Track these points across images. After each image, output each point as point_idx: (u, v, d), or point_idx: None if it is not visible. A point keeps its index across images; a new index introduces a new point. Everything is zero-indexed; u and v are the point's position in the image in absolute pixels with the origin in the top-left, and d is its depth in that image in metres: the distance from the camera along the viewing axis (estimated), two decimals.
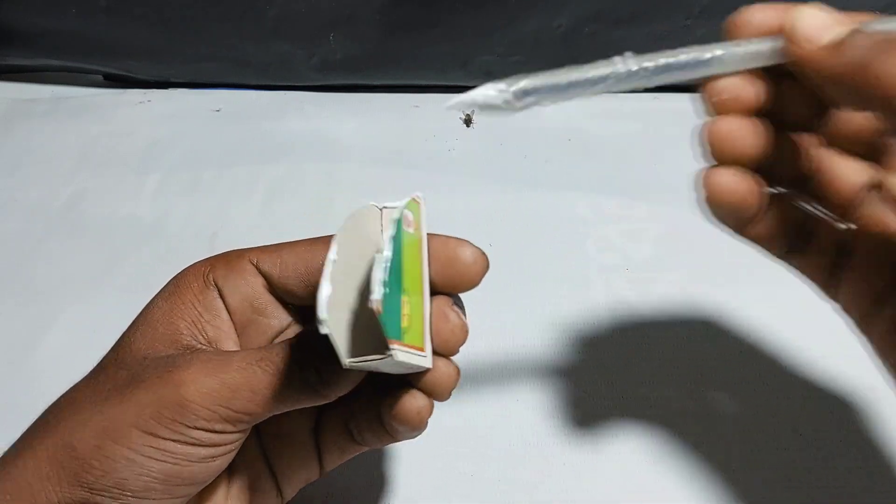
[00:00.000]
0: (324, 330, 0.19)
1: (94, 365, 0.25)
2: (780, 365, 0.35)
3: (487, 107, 0.21)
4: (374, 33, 0.49)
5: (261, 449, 0.26)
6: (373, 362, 0.20)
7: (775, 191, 0.24)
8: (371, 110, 0.52)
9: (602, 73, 0.23)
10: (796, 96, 0.23)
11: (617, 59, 0.22)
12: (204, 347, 0.24)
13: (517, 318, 0.37)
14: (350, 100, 0.53)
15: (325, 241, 0.26)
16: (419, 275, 0.24)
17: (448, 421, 0.33)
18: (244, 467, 0.26)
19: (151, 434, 0.21)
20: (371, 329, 0.20)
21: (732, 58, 0.22)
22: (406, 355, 0.21)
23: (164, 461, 0.22)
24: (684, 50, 0.22)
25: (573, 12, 0.47)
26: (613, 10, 0.47)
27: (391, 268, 0.21)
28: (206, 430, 0.22)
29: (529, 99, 0.22)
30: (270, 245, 0.26)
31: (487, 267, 0.25)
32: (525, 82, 0.22)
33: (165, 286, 0.25)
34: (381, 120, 0.51)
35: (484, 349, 0.35)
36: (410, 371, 0.23)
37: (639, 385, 0.34)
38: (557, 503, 0.30)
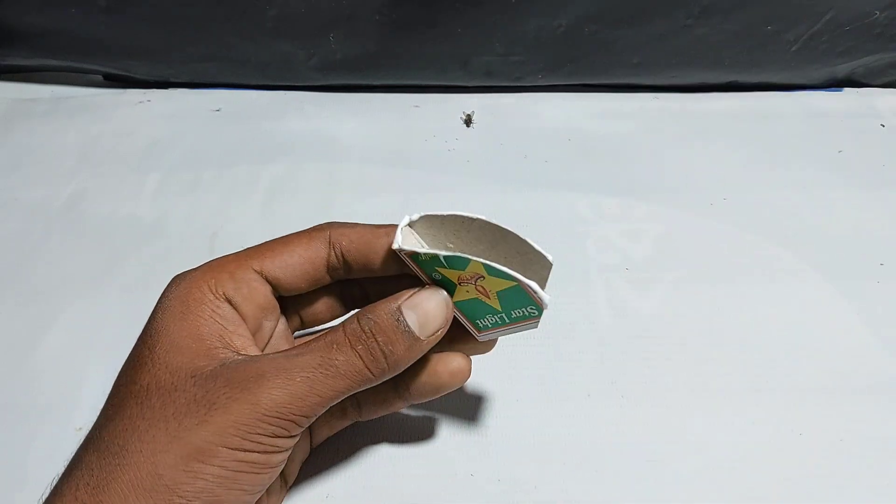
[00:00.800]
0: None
1: (112, 389, 0.25)
2: (779, 364, 0.35)
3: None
4: (374, 33, 0.49)
5: None
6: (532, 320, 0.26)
7: None
8: (371, 110, 0.52)
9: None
10: None
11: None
12: (244, 357, 0.24)
13: None
14: (350, 100, 0.53)
15: (319, 235, 0.27)
16: None
17: (448, 421, 0.33)
18: None
19: (239, 450, 0.23)
20: None
21: None
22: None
23: (252, 472, 0.23)
24: None
25: (573, 12, 0.47)
26: (613, 10, 0.47)
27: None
28: (284, 437, 0.24)
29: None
30: (264, 247, 0.27)
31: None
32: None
33: (167, 307, 0.25)
34: (381, 120, 0.51)
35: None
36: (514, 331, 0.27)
37: (639, 385, 0.34)
38: (558, 503, 0.30)
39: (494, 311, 0.26)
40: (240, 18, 0.48)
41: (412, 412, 0.33)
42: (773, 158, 0.47)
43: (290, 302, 0.29)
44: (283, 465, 0.25)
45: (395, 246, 0.25)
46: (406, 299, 0.25)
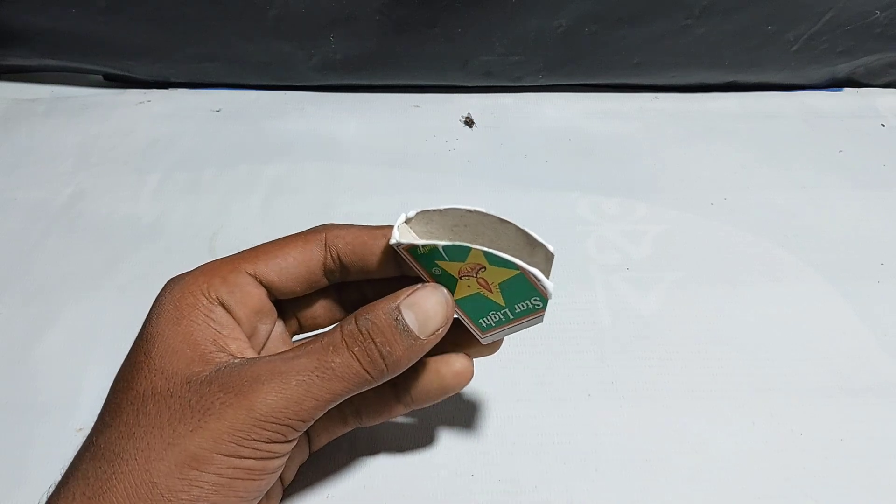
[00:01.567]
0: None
1: (109, 393, 0.25)
2: (779, 364, 0.35)
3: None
4: (374, 33, 0.49)
5: None
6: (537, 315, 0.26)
7: None
8: (371, 110, 0.52)
9: None
10: None
11: None
12: (239, 361, 0.24)
13: None
14: (350, 100, 0.53)
15: (315, 238, 0.27)
16: None
17: (448, 421, 0.33)
18: None
19: (234, 456, 0.22)
20: None
21: None
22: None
23: (248, 478, 0.23)
24: None
25: (573, 12, 0.47)
26: (613, 10, 0.47)
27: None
28: (281, 442, 0.23)
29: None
30: (259, 250, 0.27)
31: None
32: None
33: (161, 311, 0.25)
34: (381, 120, 0.51)
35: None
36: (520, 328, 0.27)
37: (639, 385, 0.34)
38: (557, 503, 0.30)
39: (498, 307, 0.26)
40: (240, 18, 0.48)
41: (412, 413, 0.33)
42: (773, 158, 0.47)
43: (288, 305, 0.28)
44: (280, 471, 0.25)
45: (392, 241, 0.25)
46: (404, 298, 0.24)
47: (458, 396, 0.34)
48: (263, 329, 0.27)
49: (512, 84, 0.52)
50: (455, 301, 0.26)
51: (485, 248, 0.24)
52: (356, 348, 0.23)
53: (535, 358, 0.36)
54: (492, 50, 0.49)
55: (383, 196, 0.45)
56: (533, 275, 0.24)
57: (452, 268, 0.25)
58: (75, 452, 0.24)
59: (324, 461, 0.31)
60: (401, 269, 0.27)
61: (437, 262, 0.25)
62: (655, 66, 0.51)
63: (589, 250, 0.41)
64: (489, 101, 0.52)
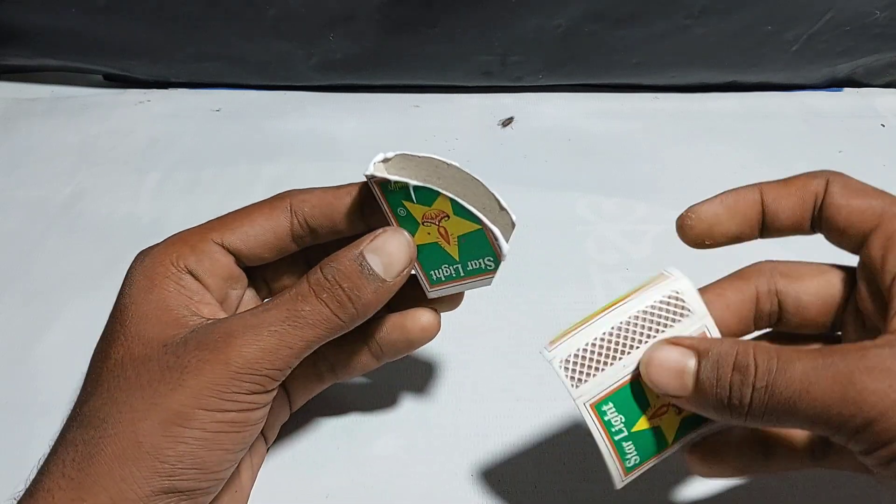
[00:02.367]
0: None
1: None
2: None
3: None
4: (374, 33, 0.49)
5: None
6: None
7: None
8: (371, 110, 0.52)
9: None
10: None
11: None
12: (212, 321, 0.24)
13: (517, 317, 0.37)
14: (350, 100, 0.53)
15: (280, 204, 0.27)
16: None
17: (448, 420, 0.33)
18: None
19: (216, 410, 0.23)
20: None
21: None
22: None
23: (232, 431, 0.24)
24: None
25: (573, 12, 0.47)
26: (613, 10, 0.47)
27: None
28: (260, 393, 0.24)
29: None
30: (227, 218, 0.27)
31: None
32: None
33: (133, 282, 0.26)
34: (381, 120, 0.51)
35: (484, 349, 0.35)
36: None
37: None
38: (557, 503, 0.30)
39: (451, 261, 0.26)
40: (240, 18, 0.48)
41: (413, 412, 0.33)
42: (773, 158, 0.47)
43: (258, 272, 0.29)
44: (262, 423, 0.25)
45: (366, 172, 0.25)
46: (367, 244, 0.25)
47: (458, 396, 0.34)
48: (234, 294, 0.28)
49: (512, 84, 0.52)
50: None
51: (452, 196, 0.24)
52: (324, 295, 0.24)
53: (536, 358, 0.36)
54: (492, 50, 0.49)
55: None
56: (492, 231, 0.25)
57: (417, 211, 0.25)
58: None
59: (324, 460, 0.31)
60: (368, 223, 0.27)
61: (404, 201, 0.25)
62: (655, 66, 0.51)
63: (589, 250, 0.41)
64: (489, 101, 0.52)
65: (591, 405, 0.23)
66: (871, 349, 0.20)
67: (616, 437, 0.24)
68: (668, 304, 0.24)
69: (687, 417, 0.24)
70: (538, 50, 0.50)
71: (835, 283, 0.25)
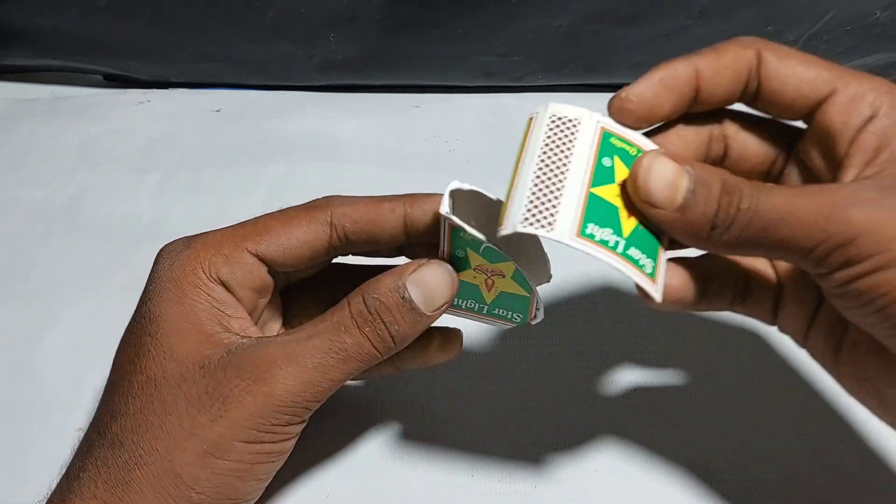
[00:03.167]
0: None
1: (110, 376, 0.25)
2: (780, 364, 0.35)
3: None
4: (374, 33, 0.49)
5: None
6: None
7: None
8: (371, 110, 0.52)
9: None
10: None
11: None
12: (248, 342, 0.24)
13: None
14: (350, 100, 0.53)
15: (320, 216, 0.26)
16: None
17: (448, 420, 0.33)
18: None
19: (255, 442, 0.23)
20: None
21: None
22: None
23: (267, 462, 0.24)
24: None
25: (573, 12, 0.47)
26: (613, 10, 0.47)
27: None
28: (297, 424, 0.24)
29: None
30: (261, 226, 0.26)
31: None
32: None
33: (162, 290, 0.25)
34: (381, 120, 0.51)
35: (484, 349, 0.35)
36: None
37: (639, 385, 0.34)
38: (557, 503, 0.30)
39: (481, 301, 0.26)
40: (240, 18, 0.48)
41: (413, 412, 0.33)
42: None
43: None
44: (292, 449, 0.25)
45: (443, 211, 0.24)
46: (410, 274, 0.24)
47: (458, 396, 0.34)
48: (262, 303, 0.27)
49: (512, 84, 0.52)
50: None
51: (519, 268, 0.24)
52: (367, 329, 0.24)
53: (536, 359, 0.36)
54: (492, 50, 0.49)
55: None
56: (537, 301, 0.24)
57: (476, 260, 0.25)
58: (79, 442, 0.24)
59: (324, 461, 0.31)
60: (408, 240, 0.26)
61: (467, 248, 0.25)
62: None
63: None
64: (489, 101, 0.52)
65: (576, 235, 0.22)
66: (846, 184, 0.21)
67: (620, 251, 0.22)
68: (555, 125, 0.25)
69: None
70: (538, 50, 0.49)
71: (778, 137, 0.26)
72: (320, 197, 0.27)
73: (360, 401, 0.33)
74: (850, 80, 0.23)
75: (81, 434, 0.32)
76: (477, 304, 0.26)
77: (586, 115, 0.24)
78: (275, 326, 0.29)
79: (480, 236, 0.24)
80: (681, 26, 0.48)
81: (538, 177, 0.22)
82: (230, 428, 0.22)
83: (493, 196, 0.25)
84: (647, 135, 0.25)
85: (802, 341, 0.26)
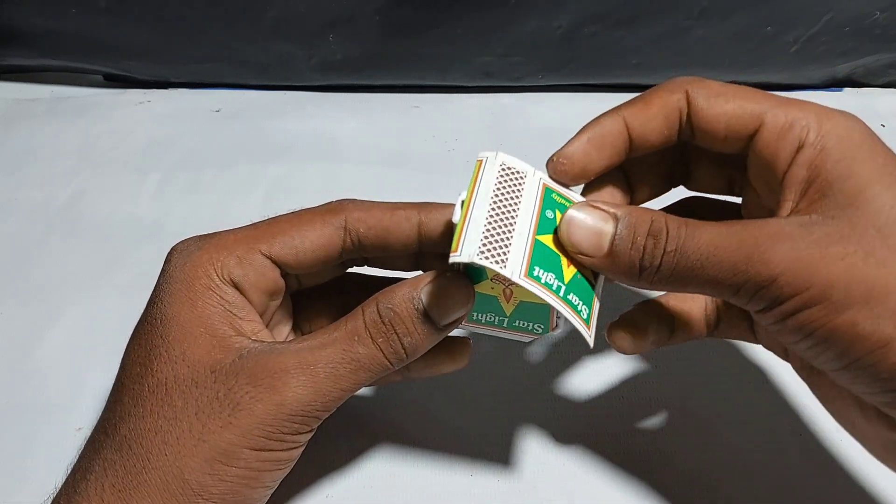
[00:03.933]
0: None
1: (117, 378, 0.25)
2: (780, 364, 0.35)
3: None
4: (374, 34, 0.49)
5: None
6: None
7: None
8: (371, 110, 0.52)
9: None
10: None
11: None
12: (260, 346, 0.24)
13: None
14: (350, 100, 0.53)
15: (334, 220, 0.26)
16: None
17: (448, 421, 0.33)
18: None
19: (264, 450, 0.23)
20: None
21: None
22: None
23: (275, 469, 0.24)
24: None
25: (573, 13, 0.47)
26: (613, 10, 0.47)
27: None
28: (305, 432, 0.24)
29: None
30: (274, 228, 0.26)
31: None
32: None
33: (173, 290, 0.24)
34: (381, 120, 0.51)
35: (484, 350, 0.35)
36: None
37: (640, 385, 0.34)
38: (557, 503, 0.30)
39: (501, 314, 0.26)
40: (240, 19, 0.48)
41: (412, 412, 0.33)
42: None
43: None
44: (299, 457, 0.25)
45: (455, 220, 0.23)
46: (425, 285, 0.24)
47: (458, 396, 0.34)
48: (273, 305, 0.27)
49: (512, 84, 0.52)
50: None
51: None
52: (380, 339, 0.24)
53: (535, 359, 0.36)
54: (491, 50, 0.49)
55: (383, 196, 0.44)
56: (557, 310, 0.23)
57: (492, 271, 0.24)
58: (85, 438, 0.24)
59: (324, 461, 0.31)
60: (421, 249, 0.26)
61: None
62: (655, 67, 0.51)
63: None
64: (489, 101, 0.52)
65: (525, 276, 0.23)
66: (772, 221, 0.22)
67: (562, 295, 0.23)
68: (504, 174, 0.25)
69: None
70: (538, 51, 0.50)
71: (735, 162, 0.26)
72: (335, 200, 0.27)
73: (359, 401, 0.34)
74: (777, 111, 0.23)
75: (81, 434, 0.32)
76: (496, 318, 0.26)
77: (531, 171, 0.25)
78: (285, 330, 0.29)
79: (504, 273, 0.24)
80: (680, 27, 0.48)
81: (491, 216, 0.23)
82: (239, 435, 0.22)
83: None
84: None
85: (784, 356, 0.27)
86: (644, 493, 0.30)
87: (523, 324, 0.26)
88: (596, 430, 0.33)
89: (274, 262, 0.26)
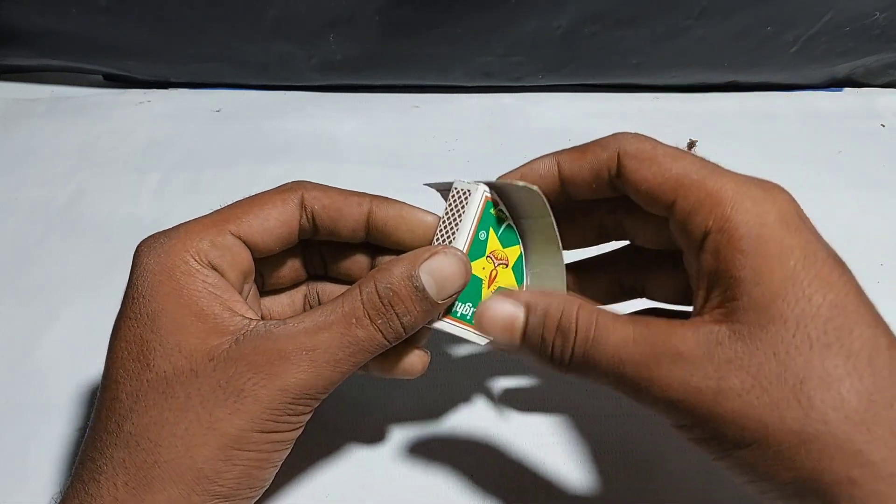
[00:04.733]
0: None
1: (108, 374, 0.24)
2: None
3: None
4: (374, 34, 0.49)
5: None
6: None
7: None
8: (371, 110, 0.52)
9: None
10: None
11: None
12: (255, 329, 0.24)
13: None
14: (350, 100, 0.53)
15: (292, 196, 0.27)
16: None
17: (448, 421, 0.33)
18: None
19: (272, 432, 0.23)
20: None
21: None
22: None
23: (282, 450, 0.24)
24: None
25: (573, 13, 0.47)
26: (613, 10, 0.47)
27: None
28: (307, 413, 0.24)
29: None
30: (239, 210, 0.26)
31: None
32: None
33: (154, 283, 0.24)
34: (381, 120, 0.51)
35: (483, 349, 0.35)
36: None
37: None
38: (557, 503, 0.30)
39: (476, 302, 0.26)
40: (240, 19, 0.48)
41: (412, 412, 0.33)
42: (773, 158, 0.47)
43: (257, 263, 0.28)
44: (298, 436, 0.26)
45: (482, 187, 0.26)
46: (424, 262, 0.24)
47: (458, 396, 0.34)
48: (247, 288, 0.27)
49: (512, 84, 0.52)
50: None
51: (523, 253, 0.26)
52: (379, 321, 0.24)
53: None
54: (491, 50, 0.49)
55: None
56: (471, 340, 0.26)
57: (493, 244, 0.26)
58: (84, 439, 0.24)
59: (324, 460, 0.31)
60: (368, 238, 0.27)
61: (491, 228, 0.26)
62: (655, 67, 0.51)
63: (588, 250, 0.41)
64: (489, 101, 0.52)
65: (449, 318, 0.26)
66: (678, 329, 0.22)
67: (467, 319, 0.26)
68: (454, 196, 0.26)
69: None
70: (538, 50, 0.50)
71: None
72: (291, 181, 0.28)
73: (359, 401, 0.34)
74: (693, 187, 0.23)
75: (81, 434, 0.32)
76: (470, 310, 0.26)
77: (477, 188, 0.26)
78: (255, 309, 0.29)
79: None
80: (680, 27, 0.48)
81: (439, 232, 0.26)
82: (248, 421, 0.23)
83: (520, 183, 0.26)
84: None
85: None
86: (644, 494, 0.30)
87: None
88: (596, 431, 0.33)
89: (243, 241, 0.26)
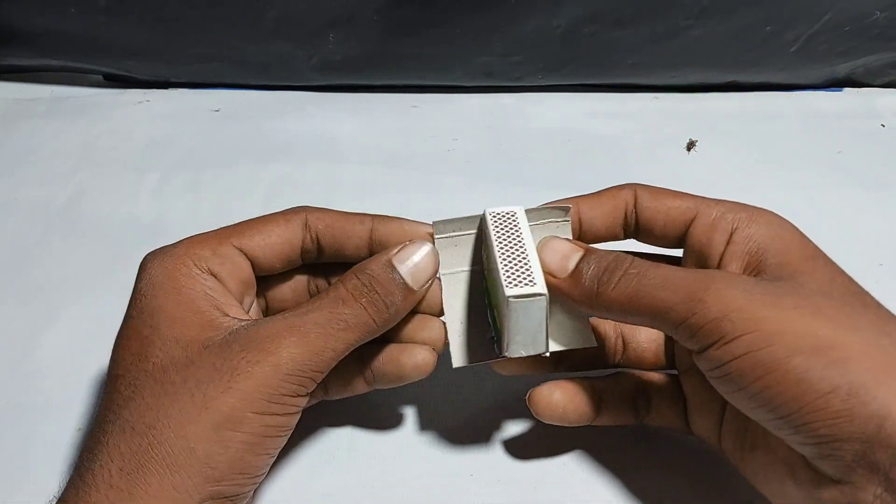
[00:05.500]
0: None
1: (110, 370, 0.25)
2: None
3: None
4: (374, 34, 0.49)
5: None
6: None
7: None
8: (371, 110, 0.52)
9: None
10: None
11: None
12: (249, 321, 0.25)
13: None
14: (350, 100, 0.53)
15: (295, 217, 0.28)
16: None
17: (448, 421, 0.33)
18: None
19: (265, 413, 0.23)
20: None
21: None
22: None
23: (276, 435, 0.24)
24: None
25: (572, 13, 0.47)
26: (613, 10, 0.47)
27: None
28: (302, 395, 0.25)
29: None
30: (243, 226, 0.28)
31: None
32: None
33: (156, 284, 0.25)
34: (380, 120, 0.51)
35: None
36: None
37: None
38: (557, 503, 0.30)
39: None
40: (240, 19, 0.48)
41: (412, 412, 0.33)
42: (773, 158, 0.47)
43: (260, 283, 0.29)
44: (295, 425, 0.26)
45: (518, 210, 0.28)
46: (395, 253, 0.26)
47: (458, 396, 0.34)
48: (247, 301, 0.28)
49: (512, 84, 0.52)
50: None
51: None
52: (364, 299, 0.25)
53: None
54: (491, 50, 0.50)
55: (383, 196, 0.45)
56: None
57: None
58: (84, 437, 0.24)
59: (323, 460, 0.31)
60: (371, 253, 0.28)
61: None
62: (655, 67, 0.51)
63: None
64: (489, 101, 0.52)
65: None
66: (729, 272, 0.25)
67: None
68: (499, 224, 0.28)
69: None
70: (538, 50, 0.50)
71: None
72: (296, 206, 0.29)
73: (359, 400, 0.33)
74: (710, 205, 0.27)
75: (81, 434, 0.32)
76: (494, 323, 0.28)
77: (517, 209, 0.28)
78: None
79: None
80: (680, 27, 0.48)
81: (504, 255, 0.26)
82: (241, 399, 0.23)
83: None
84: None
85: (717, 444, 0.28)
86: (645, 494, 0.30)
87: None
88: (597, 431, 0.33)
89: (245, 255, 0.27)
